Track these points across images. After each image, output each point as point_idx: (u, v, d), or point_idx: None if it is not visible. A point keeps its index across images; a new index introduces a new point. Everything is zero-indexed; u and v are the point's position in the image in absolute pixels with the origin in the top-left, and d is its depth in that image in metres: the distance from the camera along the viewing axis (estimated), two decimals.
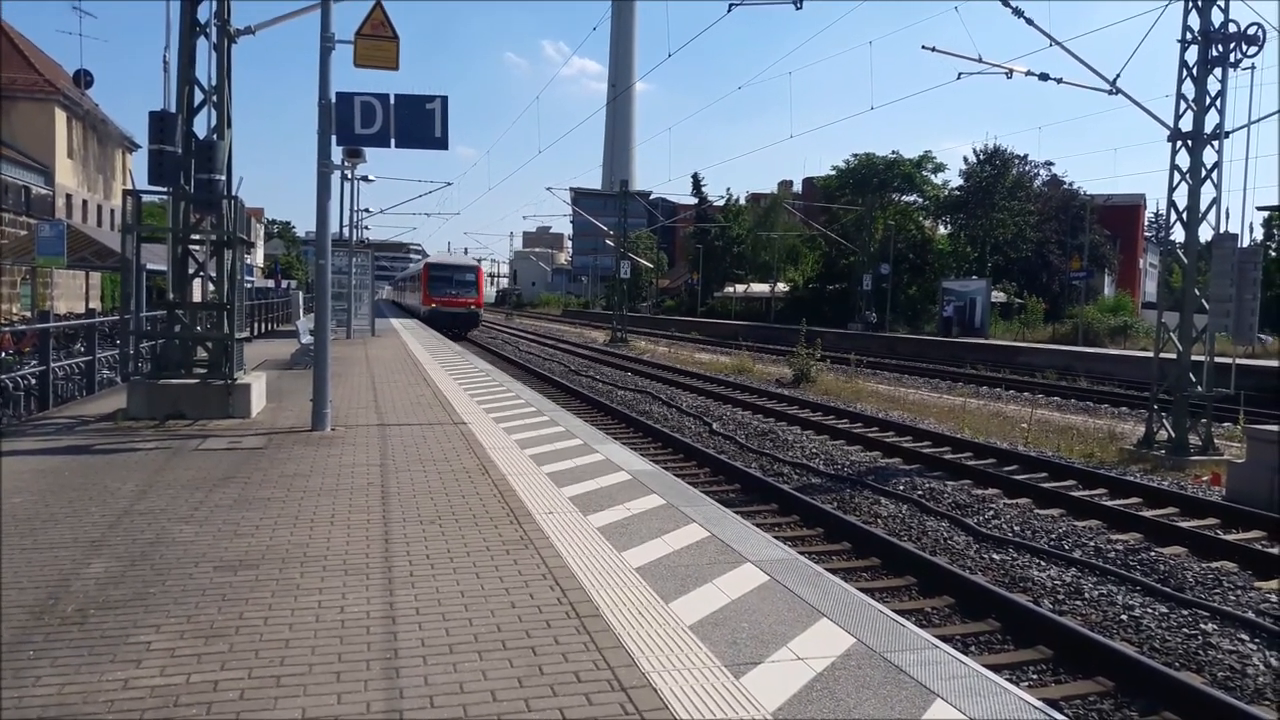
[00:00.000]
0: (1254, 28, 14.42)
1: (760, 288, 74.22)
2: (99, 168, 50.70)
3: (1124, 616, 7.62)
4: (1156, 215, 74.83)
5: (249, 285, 34.76)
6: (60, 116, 44.08)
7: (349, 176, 34.38)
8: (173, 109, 11.78)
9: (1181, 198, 15.36)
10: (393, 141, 11.12)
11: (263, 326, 34.03)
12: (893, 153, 59.32)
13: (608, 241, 65.39)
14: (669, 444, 15.24)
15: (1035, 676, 6.45)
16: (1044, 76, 17.06)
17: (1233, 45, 14.59)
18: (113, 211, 50.34)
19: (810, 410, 19.91)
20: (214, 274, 12.24)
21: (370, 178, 39.87)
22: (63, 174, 44.37)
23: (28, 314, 32.24)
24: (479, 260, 61.69)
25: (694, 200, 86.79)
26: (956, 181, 58.43)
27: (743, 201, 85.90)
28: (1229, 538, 9.96)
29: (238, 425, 11.17)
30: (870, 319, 51.80)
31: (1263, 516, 10.58)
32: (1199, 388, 15.21)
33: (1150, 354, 17.53)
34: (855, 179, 59.16)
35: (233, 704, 3.80)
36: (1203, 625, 7.40)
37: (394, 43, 11.23)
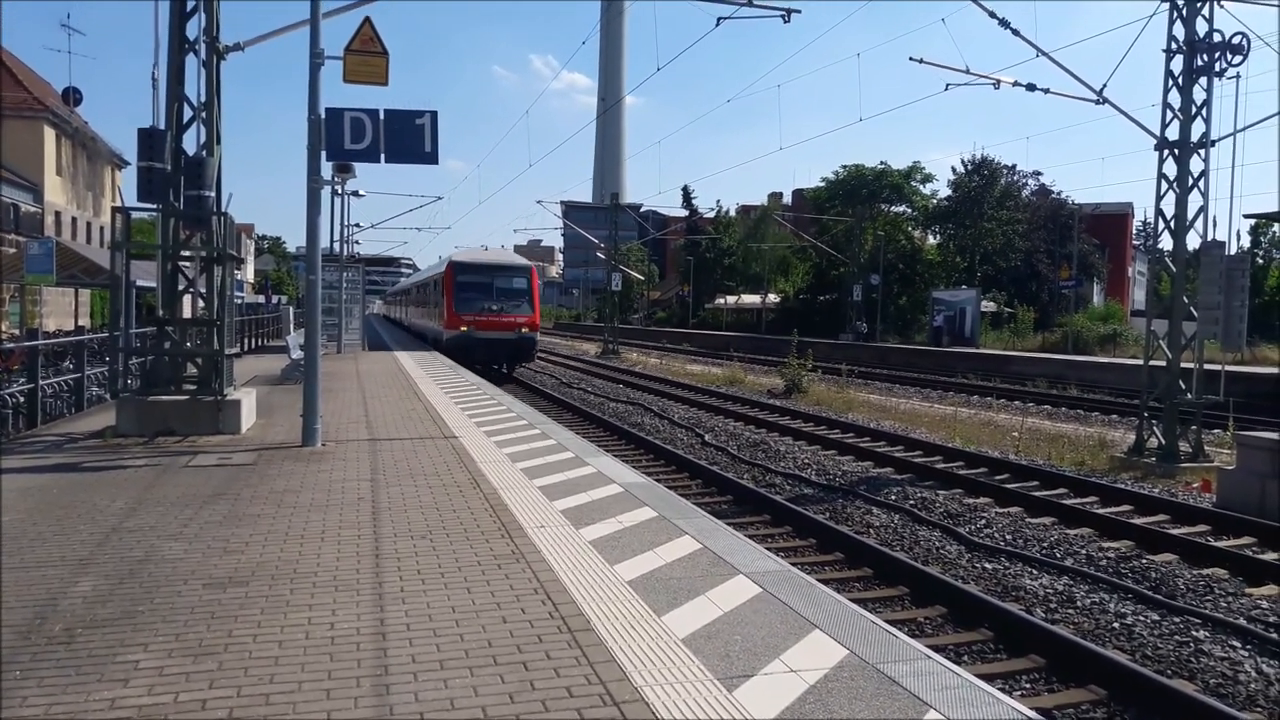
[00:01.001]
0: (1238, 37, 14.54)
1: (751, 299, 74.36)
2: (88, 185, 50.64)
3: (1116, 624, 7.62)
4: (1144, 224, 75.22)
5: (239, 301, 34.68)
6: (49, 134, 44.05)
7: (339, 192, 34.37)
8: (162, 126, 11.78)
9: (1169, 206, 15.45)
10: (382, 156, 11.13)
11: (253, 342, 33.94)
12: (881, 164, 59.69)
13: (599, 254, 65.23)
14: (661, 456, 15.21)
15: (1028, 686, 6.45)
16: (1031, 87, 17.16)
17: (1218, 55, 14.70)
18: (102, 228, 50.26)
19: (802, 421, 19.92)
20: (204, 290, 12.21)
21: (361, 192, 39.90)
22: (52, 191, 44.30)
23: (16, 332, 32.13)
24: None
25: (684, 212, 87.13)
26: (945, 192, 58.72)
27: (733, 213, 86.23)
28: (1220, 544, 9.98)
29: (228, 441, 11.13)
30: (861, 329, 51.92)
31: (1253, 523, 10.60)
32: (1189, 395, 15.26)
33: (1140, 361, 17.58)
34: (845, 190, 59.44)
35: None
36: (1194, 632, 7.41)
37: (383, 58, 11.26)
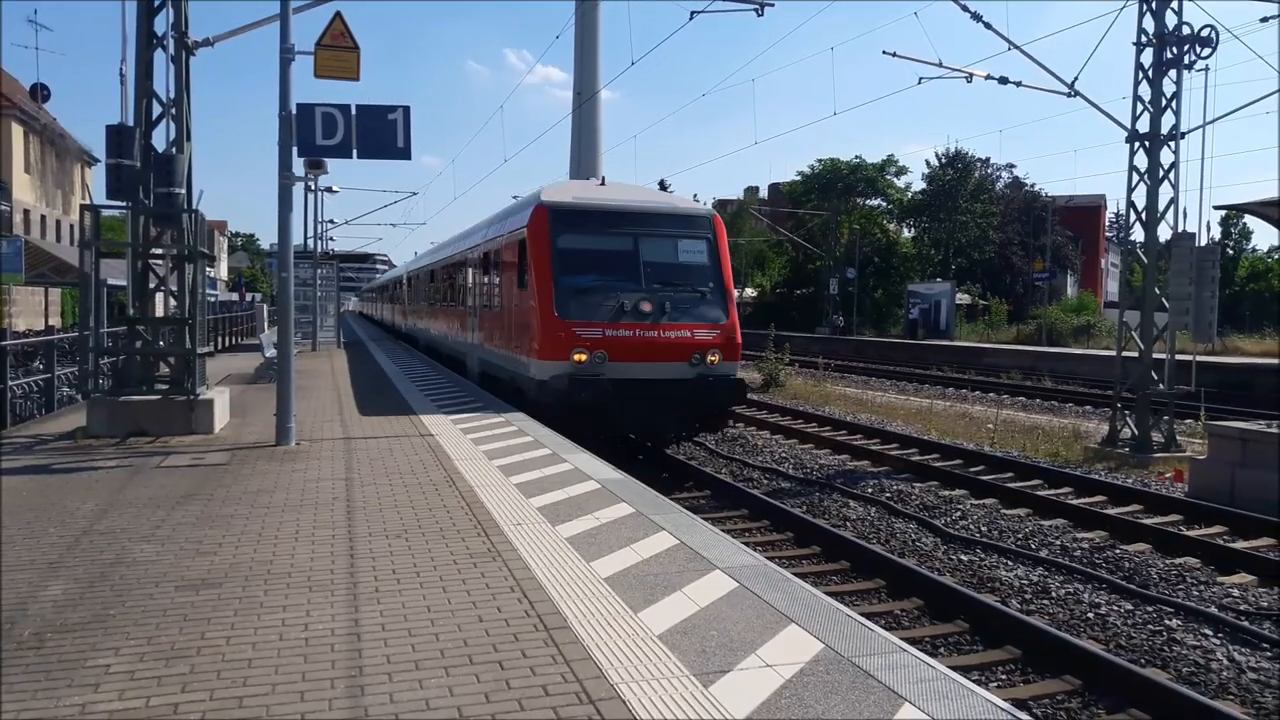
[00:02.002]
0: (1207, 30, 14.67)
1: None
2: (57, 182, 50.01)
3: (1090, 614, 7.69)
4: (1117, 215, 75.93)
5: (212, 299, 34.41)
6: (17, 131, 43.44)
7: (312, 188, 34.13)
8: (131, 122, 11.64)
9: (1140, 198, 15.60)
10: (355, 152, 11.04)
11: (227, 340, 33.65)
12: (856, 157, 59.98)
13: None
14: (639, 451, 15.20)
15: (1004, 677, 6.49)
16: (1004, 80, 17.27)
17: (1186, 47, 14.83)
18: (71, 226, 49.66)
19: (779, 415, 19.97)
20: (175, 288, 12.08)
21: (334, 189, 39.58)
22: (20, 189, 43.70)
23: None
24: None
25: None
26: (920, 185, 59.04)
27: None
28: (1192, 534, 10.10)
29: (201, 441, 11.02)
30: (838, 323, 52.14)
31: (1224, 511, 10.73)
32: (1161, 385, 15.41)
33: (1113, 353, 17.75)
34: (820, 184, 59.67)
35: None
36: (1167, 621, 7.49)
37: (354, 53, 11.15)
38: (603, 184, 15.83)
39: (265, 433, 11.33)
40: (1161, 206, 15.39)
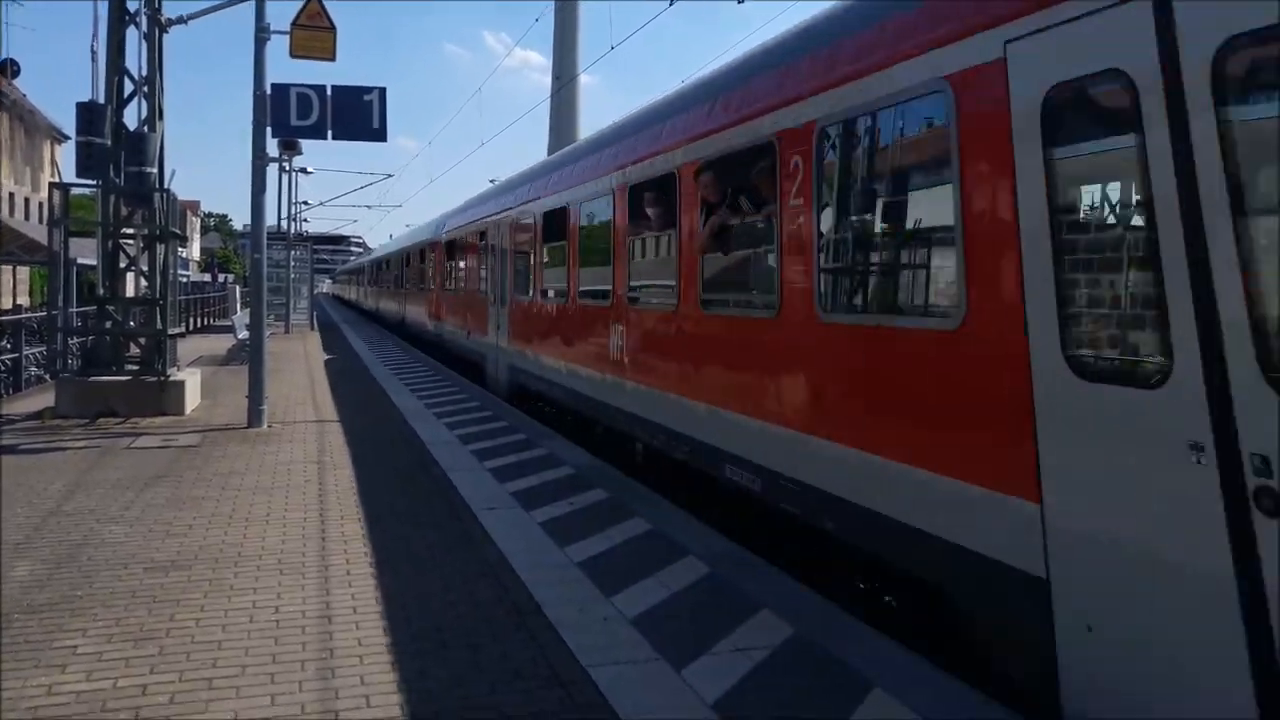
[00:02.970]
0: None
1: None
2: (26, 159, 49.25)
3: None
4: None
5: (183, 280, 34.07)
6: None
7: (287, 169, 33.79)
8: (102, 100, 11.49)
9: None
10: (330, 133, 10.97)
11: (198, 321, 33.35)
12: None
13: None
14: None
15: None
16: None
17: None
18: (41, 204, 48.88)
19: None
20: (146, 268, 11.96)
21: (309, 170, 39.17)
22: None
23: None
24: None
25: None
26: None
27: None
28: None
29: (171, 423, 10.93)
30: None
31: None
32: None
33: None
34: None
35: (163, 708, 3.71)
36: None
37: (331, 33, 11.05)
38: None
39: (237, 415, 11.25)
40: None
